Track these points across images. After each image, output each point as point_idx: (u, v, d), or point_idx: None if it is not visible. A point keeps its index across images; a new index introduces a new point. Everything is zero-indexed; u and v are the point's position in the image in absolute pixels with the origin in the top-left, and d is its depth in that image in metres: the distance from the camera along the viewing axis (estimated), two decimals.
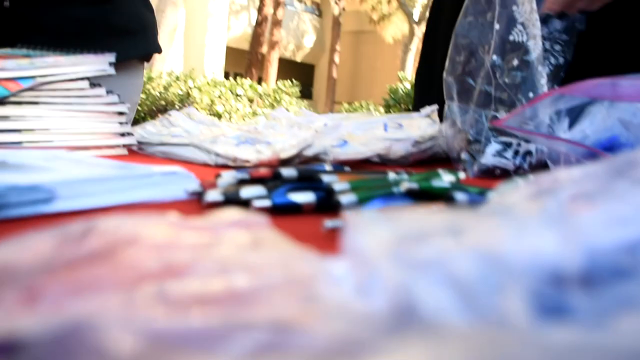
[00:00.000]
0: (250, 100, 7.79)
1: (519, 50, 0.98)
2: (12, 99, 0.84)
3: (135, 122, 1.39)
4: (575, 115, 0.97)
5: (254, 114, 7.11)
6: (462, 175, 0.77)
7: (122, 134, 0.97)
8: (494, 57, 1.00)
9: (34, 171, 0.61)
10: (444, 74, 1.10)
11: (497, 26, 0.98)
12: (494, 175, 0.97)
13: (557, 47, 1.04)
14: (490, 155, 0.99)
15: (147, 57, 1.47)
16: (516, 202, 0.29)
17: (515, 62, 0.99)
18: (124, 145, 0.98)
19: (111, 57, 0.97)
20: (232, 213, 0.29)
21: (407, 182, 0.68)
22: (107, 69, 0.96)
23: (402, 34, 18.73)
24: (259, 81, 11.94)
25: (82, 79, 0.93)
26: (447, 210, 0.27)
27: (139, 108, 7.47)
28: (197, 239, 0.26)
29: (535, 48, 0.98)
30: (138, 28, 1.37)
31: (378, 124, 1.25)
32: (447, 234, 0.23)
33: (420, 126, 1.21)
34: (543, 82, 0.99)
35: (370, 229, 0.25)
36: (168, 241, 0.25)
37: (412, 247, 0.23)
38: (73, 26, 1.24)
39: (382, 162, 1.06)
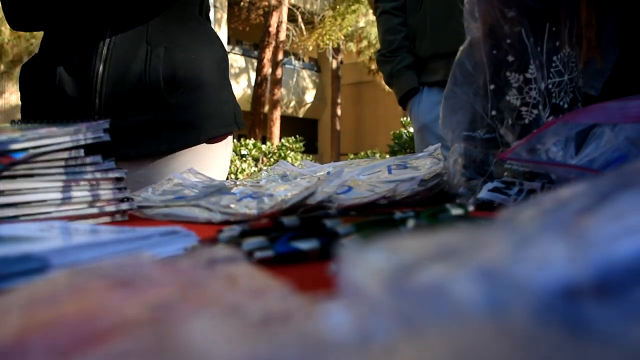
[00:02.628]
0: (256, 160, 7.82)
1: (514, 111, 0.97)
2: (6, 172, 0.82)
3: None
4: (580, 138, 0.95)
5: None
6: (471, 208, 0.75)
7: (122, 200, 0.95)
8: (494, 112, 0.99)
9: (26, 242, 0.59)
10: (441, 129, 1.09)
11: (491, 86, 0.97)
12: (493, 208, 0.96)
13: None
14: (486, 191, 0.98)
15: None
16: (521, 220, 0.27)
17: (510, 121, 0.98)
18: (124, 211, 0.96)
19: (105, 124, 0.96)
20: (211, 250, 0.27)
21: (413, 220, 0.66)
22: (102, 137, 0.95)
23: None
24: (264, 140, 12.02)
25: (77, 147, 0.92)
26: (445, 233, 0.25)
27: None
28: (171, 280, 0.24)
29: (528, 115, 0.97)
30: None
31: (382, 167, 1.23)
32: (447, 256, 0.21)
33: (425, 165, 1.19)
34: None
35: (366, 262, 0.23)
36: (141, 286, 0.23)
37: (410, 275, 0.21)
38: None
39: (389, 205, 1.04)
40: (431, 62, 2.03)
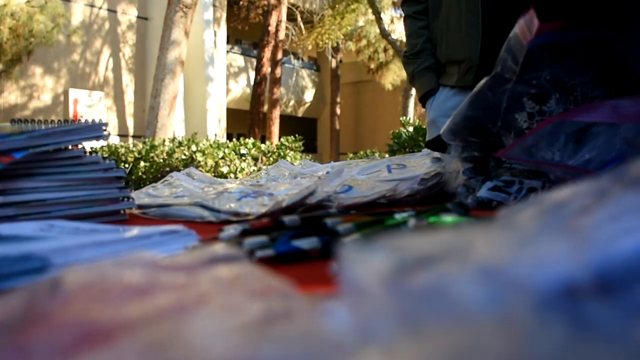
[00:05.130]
0: (255, 159, 7.81)
1: (519, 131, 0.97)
2: (6, 172, 0.82)
3: (139, 188, 1.39)
4: (578, 136, 0.95)
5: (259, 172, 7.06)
6: (471, 206, 0.75)
7: (122, 199, 0.95)
8: (500, 123, 0.99)
9: (27, 241, 0.59)
10: (444, 135, 1.08)
11: (504, 104, 0.97)
12: (491, 207, 0.96)
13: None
14: (486, 189, 0.98)
15: None
16: (521, 219, 0.27)
17: (513, 135, 0.98)
18: (124, 210, 0.96)
19: (104, 124, 0.96)
20: (212, 248, 0.27)
21: (414, 219, 0.66)
22: (102, 135, 0.95)
23: (400, 80, 18.84)
24: (263, 140, 12.02)
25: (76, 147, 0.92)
26: (445, 232, 0.25)
27: (144, 176, 7.49)
28: (173, 280, 0.24)
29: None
30: None
31: (381, 167, 1.23)
32: (447, 256, 0.21)
33: (425, 164, 1.19)
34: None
35: (367, 261, 0.23)
36: (142, 286, 0.23)
37: (411, 274, 0.21)
38: None
39: (390, 204, 1.04)
40: (447, 67, 2.09)
